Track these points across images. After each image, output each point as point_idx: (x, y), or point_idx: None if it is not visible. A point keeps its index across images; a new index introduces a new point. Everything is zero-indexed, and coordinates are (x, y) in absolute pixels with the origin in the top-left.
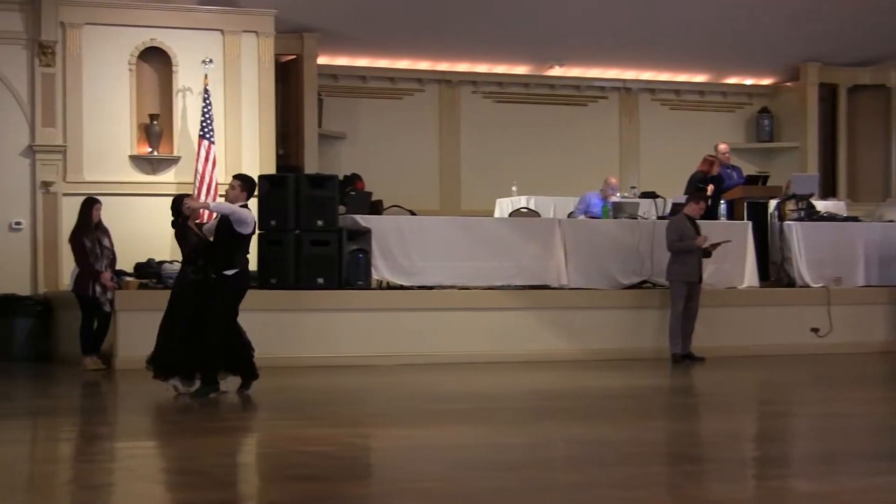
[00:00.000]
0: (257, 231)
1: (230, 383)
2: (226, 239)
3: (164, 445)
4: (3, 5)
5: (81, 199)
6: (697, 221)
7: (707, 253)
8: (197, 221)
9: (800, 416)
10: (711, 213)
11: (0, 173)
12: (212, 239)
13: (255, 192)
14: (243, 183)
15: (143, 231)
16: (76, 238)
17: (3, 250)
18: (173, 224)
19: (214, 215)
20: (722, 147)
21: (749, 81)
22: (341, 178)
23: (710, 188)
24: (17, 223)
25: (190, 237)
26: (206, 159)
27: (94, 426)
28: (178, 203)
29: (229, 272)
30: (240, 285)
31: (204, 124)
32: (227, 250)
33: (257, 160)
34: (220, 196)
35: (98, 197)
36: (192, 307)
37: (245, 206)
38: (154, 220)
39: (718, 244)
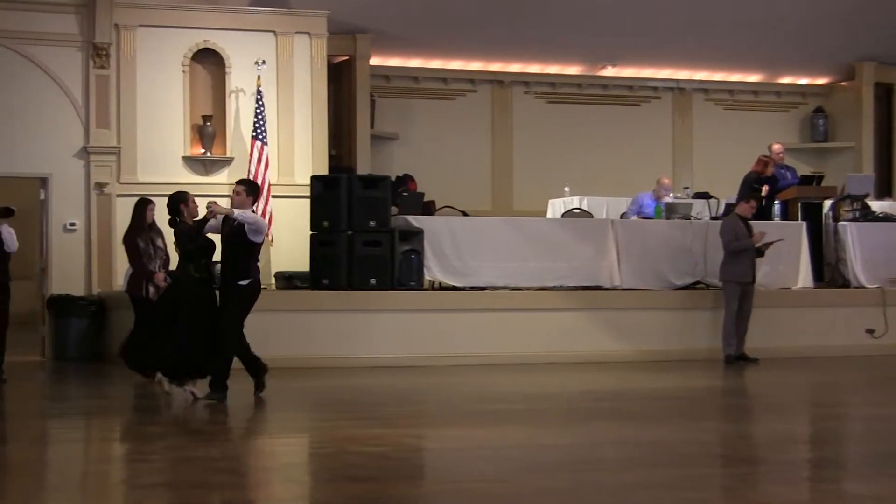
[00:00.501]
0: (310, 231)
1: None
2: (240, 248)
3: (215, 445)
4: (59, 8)
5: (135, 200)
6: (750, 221)
7: (760, 252)
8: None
9: (854, 418)
10: (765, 214)
11: (55, 175)
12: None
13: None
14: (248, 188)
15: None
16: (130, 239)
17: (57, 251)
18: (171, 223)
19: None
20: (776, 147)
21: (804, 81)
22: (393, 178)
23: (765, 189)
24: (72, 224)
25: (195, 235)
26: (259, 160)
27: (146, 426)
28: (176, 202)
29: (244, 282)
30: (254, 295)
31: (257, 125)
32: (240, 260)
33: (310, 161)
34: (274, 198)
35: (151, 198)
36: (196, 308)
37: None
38: None
39: (771, 243)
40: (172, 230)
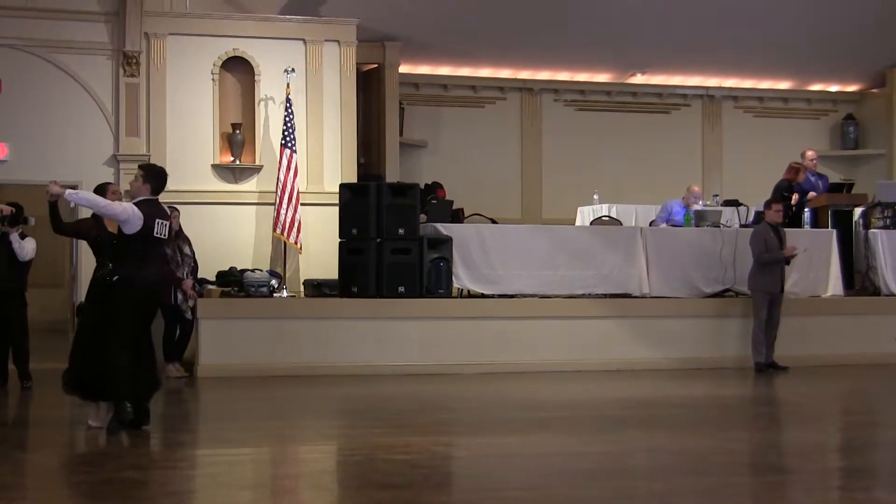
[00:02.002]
0: (339, 239)
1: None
2: (116, 239)
3: (245, 453)
4: (89, 16)
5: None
6: (781, 229)
7: (787, 261)
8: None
9: (885, 426)
10: (795, 221)
11: (85, 183)
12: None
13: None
14: (146, 173)
15: (226, 239)
16: None
17: (87, 259)
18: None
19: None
20: (809, 154)
21: (834, 88)
22: (422, 186)
23: (795, 197)
24: None
25: (87, 229)
26: (288, 168)
27: (176, 433)
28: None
29: (115, 278)
30: (125, 295)
31: (286, 133)
32: (114, 253)
33: (339, 169)
34: (303, 205)
35: (180, 206)
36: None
37: (147, 200)
38: (236, 228)
39: (796, 253)
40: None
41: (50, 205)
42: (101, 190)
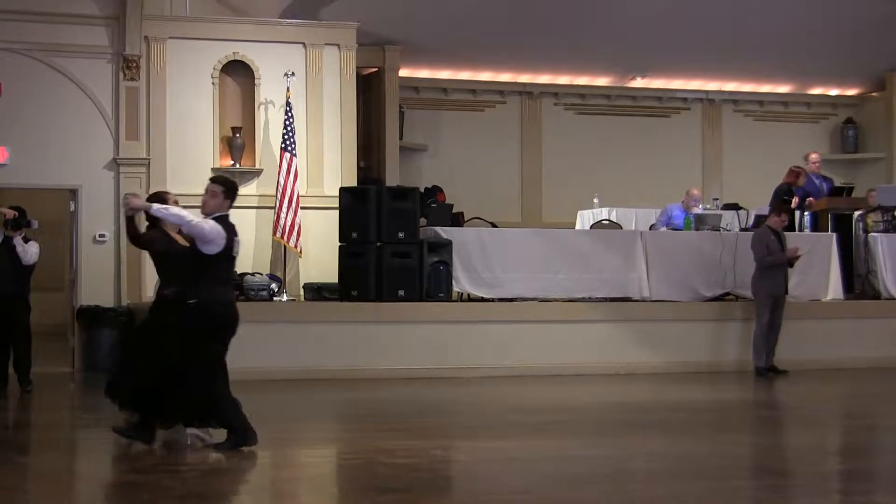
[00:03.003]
0: (339, 243)
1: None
2: (190, 257)
3: (247, 456)
4: (89, 20)
5: None
6: (782, 233)
7: (790, 264)
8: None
9: (885, 429)
10: (791, 226)
11: (85, 186)
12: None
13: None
14: (226, 189)
15: None
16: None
17: (87, 262)
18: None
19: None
20: (813, 157)
21: (834, 92)
22: (422, 190)
23: (795, 200)
24: (102, 235)
25: (158, 242)
26: (289, 172)
27: (176, 436)
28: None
29: (191, 302)
30: (199, 321)
31: (286, 137)
32: (188, 272)
33: (339, 172)
34: (303, 209)
35: None
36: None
37: (224, 216)
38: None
39: (799, 256)
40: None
41: (128, 217)
42: (159, 199)
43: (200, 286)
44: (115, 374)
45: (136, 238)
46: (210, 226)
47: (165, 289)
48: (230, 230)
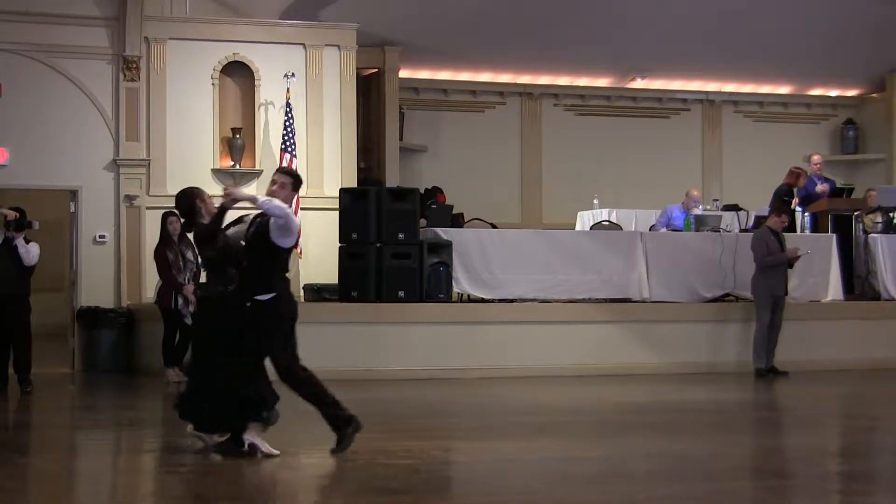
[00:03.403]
0: (339, 244)
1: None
2: (260, 251)
3: (247, 458)
4: (89, 21)
5: (163, 212)
6: (781, 234)
7: (790, 264)
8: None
9: (885, 430)
10: (791, 226)
11: (85, 187)
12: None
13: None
14: (294, 180)
15: None
16: (159, 251)
17: (87, 263)
18: (188, 227)
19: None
20: (815, 158)
21: (834, 93)
22: (422, 191)
23: (795, 201)
24: (102, 236)
25: (216, 237)
26: None
27: (176, 438)
28: (190, 200)
29: (264, 297)
30: (280, 314)
31: (286, 138)
32: (261, 267)
33: (339, 173)
34: (303, 210)
35: (175, 211)
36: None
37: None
38: None
39: (799, 256)
40: (192, 236)
41: (220, 210)
42: (197, 193)
43: (274, 280)
44: (195, 392)
45: (216, 233)
46: (293, 215)
47: (219, 285)
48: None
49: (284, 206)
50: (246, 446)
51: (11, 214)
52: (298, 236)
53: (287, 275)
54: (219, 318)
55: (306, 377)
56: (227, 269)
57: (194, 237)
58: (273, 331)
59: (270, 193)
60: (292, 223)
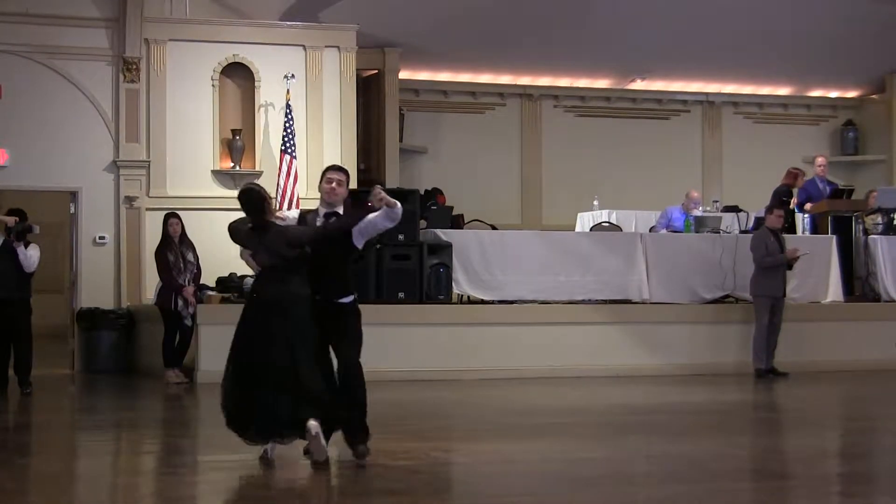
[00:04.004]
0: None
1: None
2: (342, 252)
3: (245, 459)
4: (89, 22)
5: (164, 213)
6: (781, 234)
7: (789, 265)
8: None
9: (885, 432)
10: (791, 227)
11: (85, 188)
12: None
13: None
14: (349, 178)
15: (225, 245)
16: (159, 252)
17: (87, 264)
18: (256, 225)
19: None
20: (819, 160)
21: (834, 94)
22: (422, 192)
23: (794, 201)
24: (102, 237)
25: (297, 238)
26: (288, 174)
27: (176, 439)
28: (260, 197)
29: (347, 299)
30: (359, 316)
31: (286, 139)
32: (341, 269)
33: None
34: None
35: (180, 211)
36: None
37: None
38: None
39: (798, 257)
40: (252, 233)
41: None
42: (265, 192)
43: (347, 283)
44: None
45: (347, 232)
46: None
47: (299, 287)
48: None
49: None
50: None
51: (11, 221)
52: None
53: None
54: (292, 321)
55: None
56: (303, 271)
57: (282, 236)
58: (359, 333)
59: (330, 191)
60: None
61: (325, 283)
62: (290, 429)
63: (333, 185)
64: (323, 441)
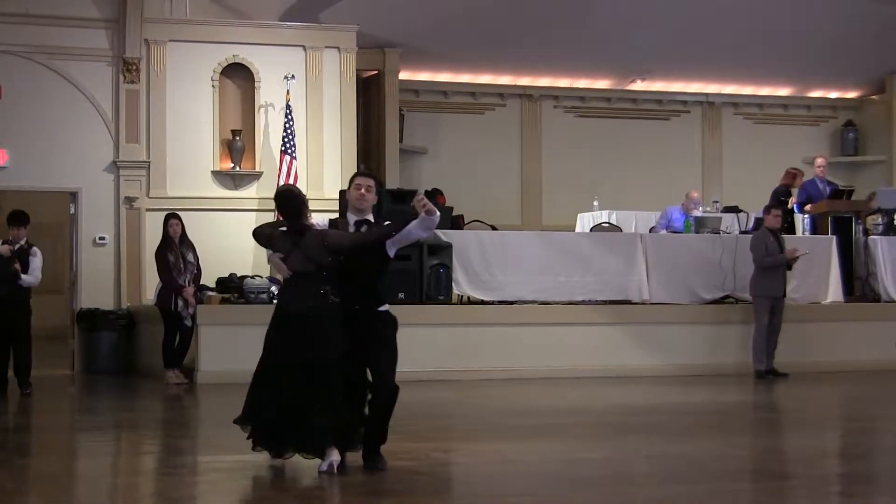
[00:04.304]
0: None
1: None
2: (379, 261)
3: (245, 459)
4: (89, 23)
5: (164, 214)
6: (781, 235)
7: (788, 265)
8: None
9: (885, 432)
10: (790, 228)
11: (85, 189)
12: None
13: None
14: (378, 184)
15: (225, 246)
16: (160, 253)
17: (87, 265)
18: (295, 228)
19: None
20: (819, 161)
21: (834, 94)
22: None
23: (792, 201)
24: (102, 238)
25: (338, 243)
26: (288, 174)
27: (176, 439)
28: (299, 201)
29: (384, 308)
30: (395, 328)
31: (286, 139)
32: (379, 277)
33: (339, 175)
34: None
35: (180, 212)
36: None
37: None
38: (236, 235)
39: (797, 257)
40: (286, 236)
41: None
42: (303, 196)
43: (382, 291)
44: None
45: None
46: None
47: (328, 297)
48: None
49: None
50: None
51: (6, 250)
52: None
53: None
54: (321, 332)
55: None
56: (334, 279)
57: (320, 240)
58: (395, 346)
59: (360, 198)
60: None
61: (359, 291)
62: (308, 451)
63: (362, 191)
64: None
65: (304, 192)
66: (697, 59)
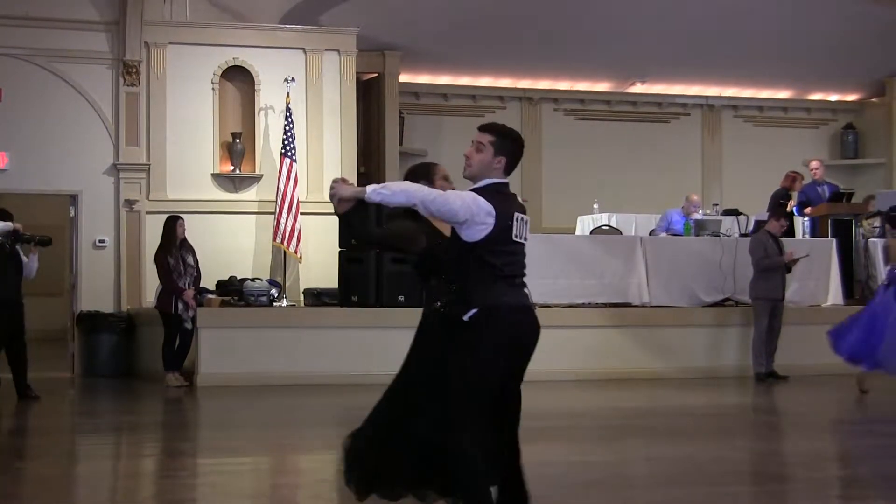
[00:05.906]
0: (339, 248)
1: None
2: (456, 250)
3: (245, 462)
4: (89, 26)
5: (164, 217)
6: (780, 238)
7: (787, 268)
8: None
9: (884, 435)
10: (788, 231)
11: (85, 192)
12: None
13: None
14: (501, 139)
15: (225, 249)
16: (159, 255)
17: (87, 268)
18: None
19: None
20: (813, 164)
21: (834, 97)
22: None
23: (791, 204)
24: (102, 241)
25: (411, 238)
26: (288, 177)
27: (176, 442)
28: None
29: (467, 315)
30: (487, 337)
31: (286, 142)
32: (460, 271)
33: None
34: (303, 214)
35: (180, 215)
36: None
37: (494, 184)
38: (236, 237)
39: (797, 259)
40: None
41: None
42: (424, 172)
43: (476, 289)
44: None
45: (366, 236)
46: (462, 200)
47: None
48: (505, 205)
49: (403, 185)
50: None
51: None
52: (506, 222)
53: (506, 282)
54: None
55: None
56: (430, 280)
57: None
58: (467, 363)
59: (467, 155)
60: (442, 205)
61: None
62: (405, 489)
63: (470, 148)
64: None
65: (303, 195)
66: (697, 62)
